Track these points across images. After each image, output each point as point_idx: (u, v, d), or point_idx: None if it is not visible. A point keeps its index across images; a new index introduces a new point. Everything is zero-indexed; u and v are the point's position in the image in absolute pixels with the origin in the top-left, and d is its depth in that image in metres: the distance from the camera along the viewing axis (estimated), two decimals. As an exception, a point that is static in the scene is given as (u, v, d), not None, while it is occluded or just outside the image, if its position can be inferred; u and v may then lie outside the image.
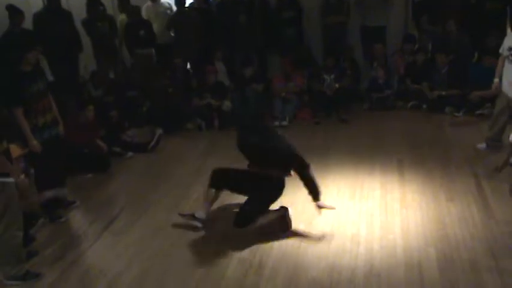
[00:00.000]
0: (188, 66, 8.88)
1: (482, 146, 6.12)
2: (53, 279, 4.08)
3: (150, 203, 5.37)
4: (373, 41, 8.32)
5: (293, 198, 5.05)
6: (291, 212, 4.65)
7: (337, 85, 7.90)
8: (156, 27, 8.55)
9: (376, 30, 8.46)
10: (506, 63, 5.69)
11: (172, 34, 8.75)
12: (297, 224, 4.61)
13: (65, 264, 4.30)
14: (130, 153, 6.87)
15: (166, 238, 4.64)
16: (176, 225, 4.81)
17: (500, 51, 5.84)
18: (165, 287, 3.88)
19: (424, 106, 7.85)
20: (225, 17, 8.60)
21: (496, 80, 5.91)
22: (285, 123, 7.67)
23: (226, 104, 7.85)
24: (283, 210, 4.59)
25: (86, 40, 8.17)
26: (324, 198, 4.74)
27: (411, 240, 4.24)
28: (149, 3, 8.73)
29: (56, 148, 5.06)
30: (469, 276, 3.70)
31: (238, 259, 4.16)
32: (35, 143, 4.73)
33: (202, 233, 4.65)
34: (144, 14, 8.63)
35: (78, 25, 8.04)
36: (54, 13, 7.58)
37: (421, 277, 3.73)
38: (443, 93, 7.68)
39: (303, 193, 5.15)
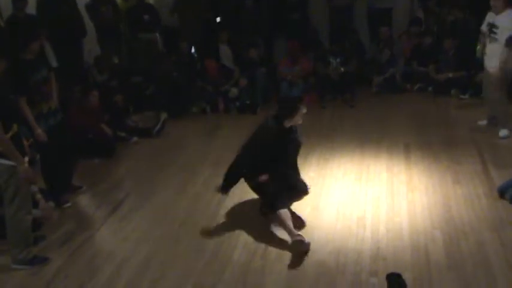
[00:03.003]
0: (193, 50, 8.84)
1: (483, 122, 6.24)
2: (61, 264, 4.10)
3: (156, 187, 5.38)
4: (379, 23, 8.25)
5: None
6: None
7: (342, 69, 7.84)
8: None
9: (382, 12, 8.38)
10: (487, 40, 5.80)
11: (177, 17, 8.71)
12: (303, 208, 4.61)
13: (72, 249, 4.33)
14: (135, 138, 6.86)
15: (173, 222, 4.65)
16: (184, 210, 4.83)
17: (482, 27, 5.93)
18: (171, 271, 3.89)
19: (430, 88, 7.80)
20: (231, 0, 8.54)
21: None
22: (290, 106, 7.63)
23: (233, 91, 7.84)
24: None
25: (90, 25, 8.14)
26: (330, 182, 4.74)
27: (417, 223, 4.23)
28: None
29: (62, 134, 5.08)
30: (475, 258, 3.70)
31: (244, 243, 4.17)
32: (39, 132, 4.73)
33: (208, 217, 4.66)
34: None
35: (82, 10, 7.99)
36: (57, -3, 7.53)
37: (427, 260, 3.73)
38: (450, 75, 7.62)
39: (308, 176, 5.17)
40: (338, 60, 7.90)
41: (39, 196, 4.57)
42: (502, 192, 4.14)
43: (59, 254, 4.23)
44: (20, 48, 4.69)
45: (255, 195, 4.92)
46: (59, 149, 5.01)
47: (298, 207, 4.63)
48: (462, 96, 7.43)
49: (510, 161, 5.21)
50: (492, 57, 5.75)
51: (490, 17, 5.80)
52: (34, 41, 4.73)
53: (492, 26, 5.68)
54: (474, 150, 5.55)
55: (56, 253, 4.24)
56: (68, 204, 5.10)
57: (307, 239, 4.00)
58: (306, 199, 4.73)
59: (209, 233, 4.39)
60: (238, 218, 4.58)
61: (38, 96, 4.78)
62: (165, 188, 5.35)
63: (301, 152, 5.70)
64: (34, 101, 4.75)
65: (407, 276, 3.49)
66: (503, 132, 5.84)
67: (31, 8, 7.28)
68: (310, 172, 5.30)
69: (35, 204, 4.42)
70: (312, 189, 4.83)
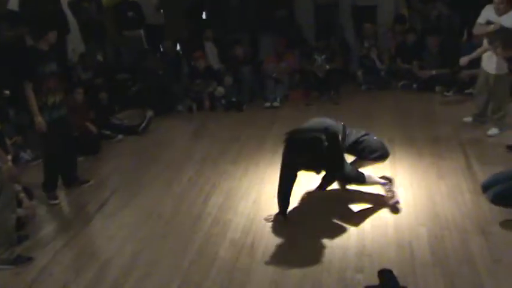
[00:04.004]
0: (178, 47, 8.81)
1: (468, 119, 6.25)
2: (45, 263, 4.07)
3: (141, 186, 5.36)
4: (364, 21, 8.29)
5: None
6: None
7: (327, 66, 7.86)
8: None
9: (367, 10, 8.42)
10: (485, 40, 5.73)
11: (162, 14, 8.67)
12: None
13: (56, 248, 4.29)
14: (120, 136, 6.83)
15: (158, 220, 4.63)
16: (170, 207, 4.82)
17: (479, 21, 5.87)
18: (157, 269, 3.88)
19: (415, 85, 7.86)
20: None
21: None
22: (276, 104, 7.66)
23: (219, 91, 7.84)
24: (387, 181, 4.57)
25: (74, 23, 8.06)
26: (314, 178, 4.74)
27: (402, 219, 4.26)
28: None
29: (64, 128, 5.09)
30: (459, 254, 3.73)
31: (230, 241, 4.17)
32: (40, 120, 4.72)
33: (194, 215, 4.64)
34: None
35: (65, 6, 7.92)
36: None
37: (412, 256, 3.75)
38: (434, 72, 7.68)
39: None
40: (323, 57, 7.92)
41: (22, 195, 4.53)
42: (485, 188, 4.18)
43: (43, 254, 4.20)
44: (38, 36, 4.77)
45: (241, 194, 4.94)
46: (61, 143, 5.00)
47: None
48: (446, 93, 7.49)
49: (493, 157, 5.27)
50: (491, 57, 5.72)
51: (489, 15, 5.74)
52: (52, 31, 4.80)
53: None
54: (458, 146, 5.61)
55: (40, 252, 4.21)
56: (56, 202, 5.06)
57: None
58: (292, 195, 4.75)
59: (195, 231, 4.37)
60: (224, 215, 4.57)
61: (45, 88, 4.79)
62: (151, 186, 5.33)
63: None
64: (40, 91, 4.75)
65: (392, 273, 3.52)
66: (493, 131, 5.84)
67: (13, 4, 7.19)
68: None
69: (19, 204, 4.38)
70: (297, 186, 4.85)
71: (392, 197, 4.47)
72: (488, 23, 5.71)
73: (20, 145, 6.07)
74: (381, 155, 4.57)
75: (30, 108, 4.72)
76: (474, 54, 6.00)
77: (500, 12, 5.62)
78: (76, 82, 7.15)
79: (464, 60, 6.10)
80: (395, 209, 4.39)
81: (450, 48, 7.69)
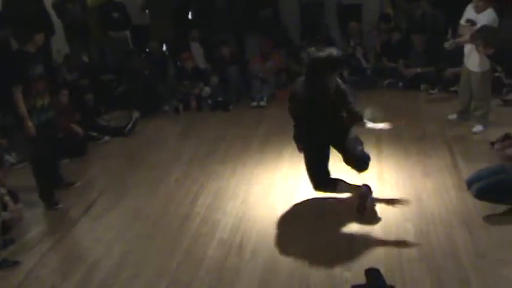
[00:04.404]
0: (164, 48, 8.79)
1: (453, 116, 6.32)
2: (31, 266, 4.04)
3: (128, 187, 5.34)
4: (349, 19, 8.33)
5: (272, 178, 5.09)
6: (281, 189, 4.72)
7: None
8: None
9: (352, 9, 8.47)
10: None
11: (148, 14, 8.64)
12: (276, 203, 4.64)
13: (43, 251, 4.26)
14: (106, 138, 6.79)
15: (146, 221, 4.62)
16: (157, 208, 4.80)
17: (461, 21, 5.94)
18: (145, 270, 3.87)
19: (400, 84, 7.91)
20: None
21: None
22: (263, 103, 7.66)
23: (206, 90, 7.83)
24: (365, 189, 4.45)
25: (58, 24, 8.01)
26: (303, 177, 4.75)
27: (389, 216, 4.29)
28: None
29: (51, 131, 5.06)
30: (445, 249, 3.76)
31: (218, 240, 4.17)
32: (30, 125, 4.67)
33: (181, 215, 4.63)
34: None
35: (49, 7, 7.87)
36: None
37: (399, 252, 3.78)
38: (419, 70, 7.74)
39: (282, 172, 5.20)
40: (310, 56, 7.92)
41: (7, 198, 4.49)
42: (470, 184, 4.23)
43: (30, 257, 4.16)
44: (25, 39, 4.71)
45: (229, 194, 4.93)
46: (49, 147, 4.97)
47: (271, 200, 4.66)
48: (431, 91, 7.55)
49: (478, 154, 5.32)
50: (470, 55, 5.78)
51: (470, 14, 5.80)
52: (39, 33, 4.76)
53: (472, 24, 5.71)
54: (443, 144, 5.65)
55: (26, 256, 4.18)
56: (60, 206, 5.01)
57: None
58: (279, 195, 4.77)
59: (183, 231, 4.37)
60: (212, 215, 4.57)
61: (34, 91, 4.75)
62: (138, 187, 5.31)
63: (275, 147, 5.80)
64: (30, 94, 4.70)
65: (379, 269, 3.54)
66: (478, 128, 5.90)
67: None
68: (283, 168, 5.34)
69: (3, 207, 4.34)
70: (285, 185, 4.87)
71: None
72: (468, 21, 5.79)
73: (4, 148, 6.01)
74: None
75: (19, 112, 4.64)
76: (457, 40, 6.03)
77: (478, 10, 5.69)
78: (61, 83, 7.09)
79: (450, 42, 6.10)
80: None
81: (435, 47, 7.74)
